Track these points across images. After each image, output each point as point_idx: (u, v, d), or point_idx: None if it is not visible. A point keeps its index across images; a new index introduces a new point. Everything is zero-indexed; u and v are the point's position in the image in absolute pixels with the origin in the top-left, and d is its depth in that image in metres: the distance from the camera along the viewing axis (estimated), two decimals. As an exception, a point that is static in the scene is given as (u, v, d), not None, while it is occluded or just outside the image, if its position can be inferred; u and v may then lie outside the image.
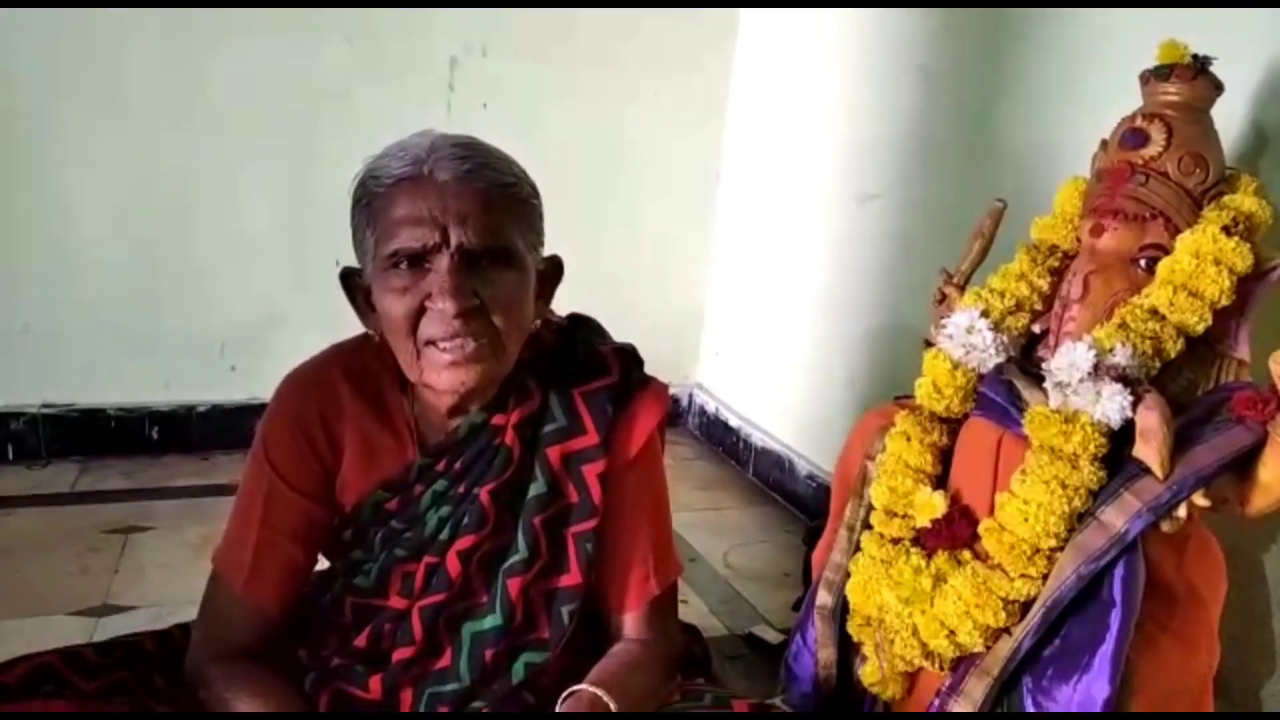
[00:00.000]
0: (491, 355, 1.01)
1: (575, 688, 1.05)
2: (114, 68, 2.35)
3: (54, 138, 2.35)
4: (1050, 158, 1.70)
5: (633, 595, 1.15)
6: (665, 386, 1.18)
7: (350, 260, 1.07)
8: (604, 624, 1.18)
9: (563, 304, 1.17)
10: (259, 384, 2.55)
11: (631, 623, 1.16)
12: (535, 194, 1.06)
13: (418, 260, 0.98)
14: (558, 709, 1.04)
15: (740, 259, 2.88)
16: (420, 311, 0.99)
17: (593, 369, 1.13)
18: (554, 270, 1.12)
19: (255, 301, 2.58)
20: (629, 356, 1.17)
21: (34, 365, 2.46)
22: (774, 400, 2.69)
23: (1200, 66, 1.22)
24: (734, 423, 2.84)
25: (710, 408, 2.98)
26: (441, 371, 1.00)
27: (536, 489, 1.09)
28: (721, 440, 2.91)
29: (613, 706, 1.02)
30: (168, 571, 1.94)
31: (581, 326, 1.20)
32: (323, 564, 1.18)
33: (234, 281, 2.56)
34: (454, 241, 0.97)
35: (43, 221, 2.38)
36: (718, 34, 2.81)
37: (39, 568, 1.93)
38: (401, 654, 1.09)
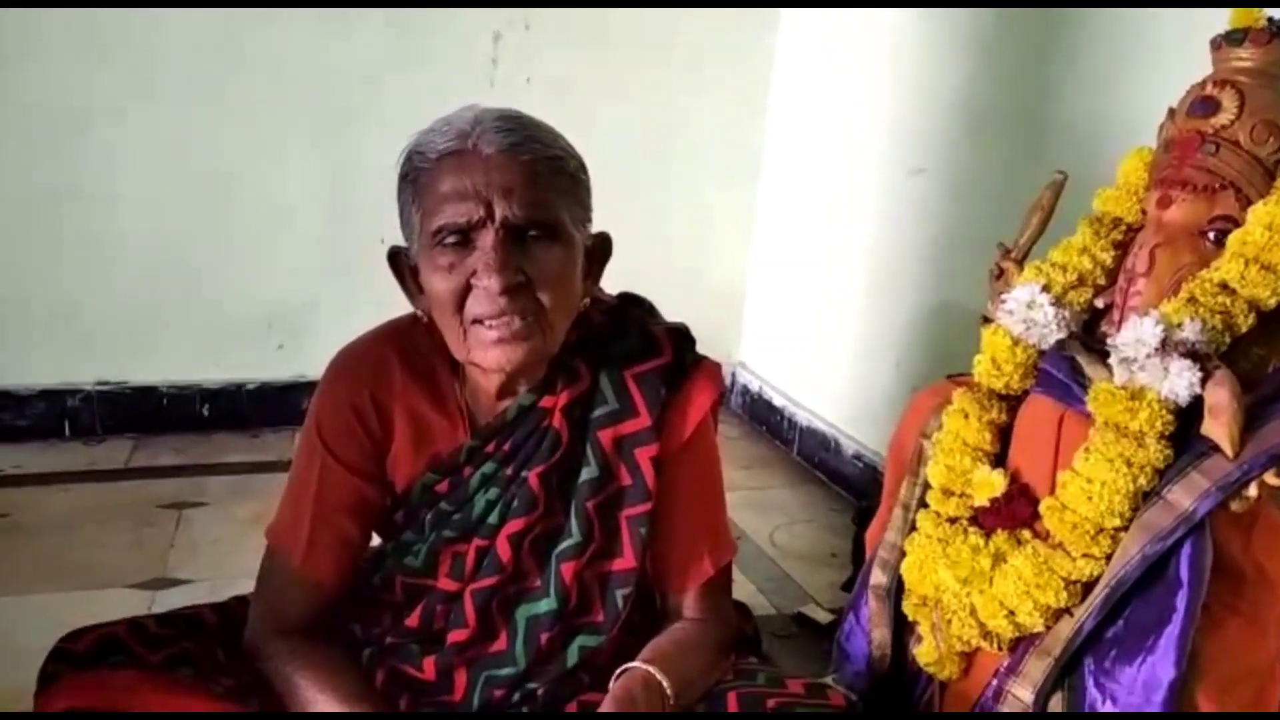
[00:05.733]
0: (539, 333, 0.99)
1: (628, 665, 1.05)
2: (155, 53, 2.37)
3: (99, 122, 2.38)
4: (1109, 128, 1.65)
5: (688, 577, 1.14)
6: (719, 366, 1.15)
7: (394, 239, 1.06)
8: (658, 603, 1.17)
9: (604, 281, 1.14)
10: (306, 362, 2.59)
11: (686, 603, 1.15)
12: (582, 168, 1.04)
13: (463, 236, 0.97)
14: (611, 686, 1.03)
15: (784, 234, 2.85)
16: (466, 289, 0.97)
17: (645, 349, 1.11)
18: (603, 248, 1.09)
19: (300, 281, 2.61)
20: (682, 336, 1.15)
21: (88, 344, 2.51)
22: (819, 379, 2.67)
23: (1276, 30, 1.17)
24: (778, 402, 2.82)
25: (754, 386, 2.96)
26: (488, 349, 0.98)
27: (589, 473, 1.07)
28: (765, 419, 2.89)
29: (665, 684, 1.02)
30: (221, 546, 1.98)
31: (633, 306, 1.18)
32: (375, 540, 1.18)
33: (280, 261, 2.59)
34: (499, 216, 0.95)
35: (90, 203, 2.42)
36: (764, 7, 2.77)
37: (97, 541, 1.98)
38: (456, 637, 1.09)
